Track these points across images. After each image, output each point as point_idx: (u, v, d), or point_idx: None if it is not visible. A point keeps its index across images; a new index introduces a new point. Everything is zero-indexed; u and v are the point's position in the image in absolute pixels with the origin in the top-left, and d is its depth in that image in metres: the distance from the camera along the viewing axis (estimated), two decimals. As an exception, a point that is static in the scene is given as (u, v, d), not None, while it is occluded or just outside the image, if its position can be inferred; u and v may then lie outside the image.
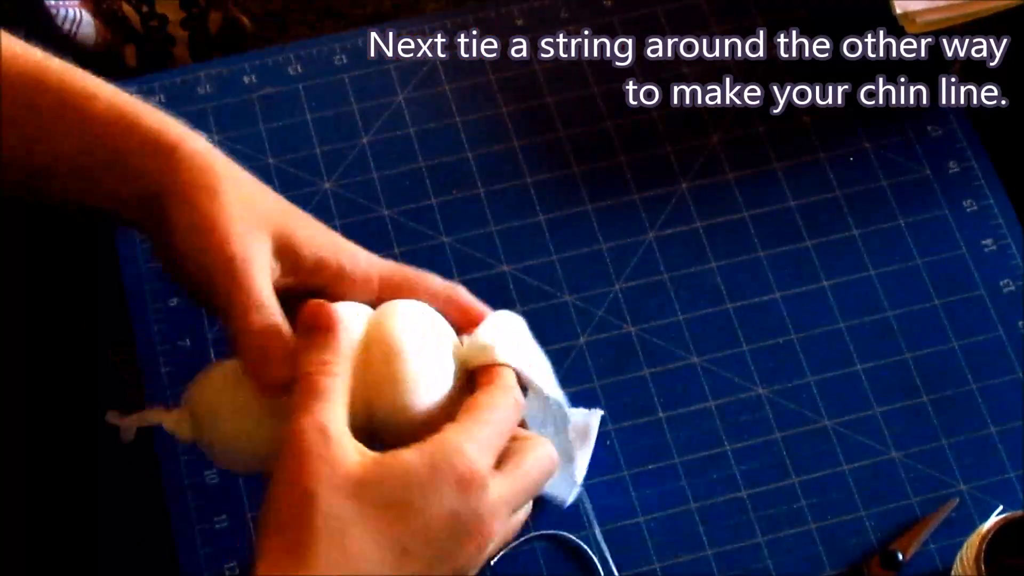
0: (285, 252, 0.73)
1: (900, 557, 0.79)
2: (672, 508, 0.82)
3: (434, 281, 0.76)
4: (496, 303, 0.87)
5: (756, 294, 0.88)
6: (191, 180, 0.71)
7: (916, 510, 0.82)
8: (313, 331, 0.68)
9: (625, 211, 0.91)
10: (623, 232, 0.91)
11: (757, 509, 0.82)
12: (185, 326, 0.87)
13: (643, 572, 0.80)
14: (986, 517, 0.79)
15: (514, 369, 0.72)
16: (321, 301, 0.70)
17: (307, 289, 0.73)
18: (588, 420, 0.83)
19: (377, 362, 0.70)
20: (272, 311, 0.70)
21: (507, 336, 0.73)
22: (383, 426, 0.70)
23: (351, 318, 0.71)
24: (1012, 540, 0.73)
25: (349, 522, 0.62)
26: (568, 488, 0.80)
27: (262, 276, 0.71)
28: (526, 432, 0.72)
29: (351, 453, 0.64)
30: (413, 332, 0.71)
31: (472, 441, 0.65)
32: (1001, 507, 0.81)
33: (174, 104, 0.94)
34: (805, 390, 0.85)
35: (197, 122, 0.93)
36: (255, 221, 0.72)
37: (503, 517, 0.67)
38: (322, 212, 0.90)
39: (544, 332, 0.86)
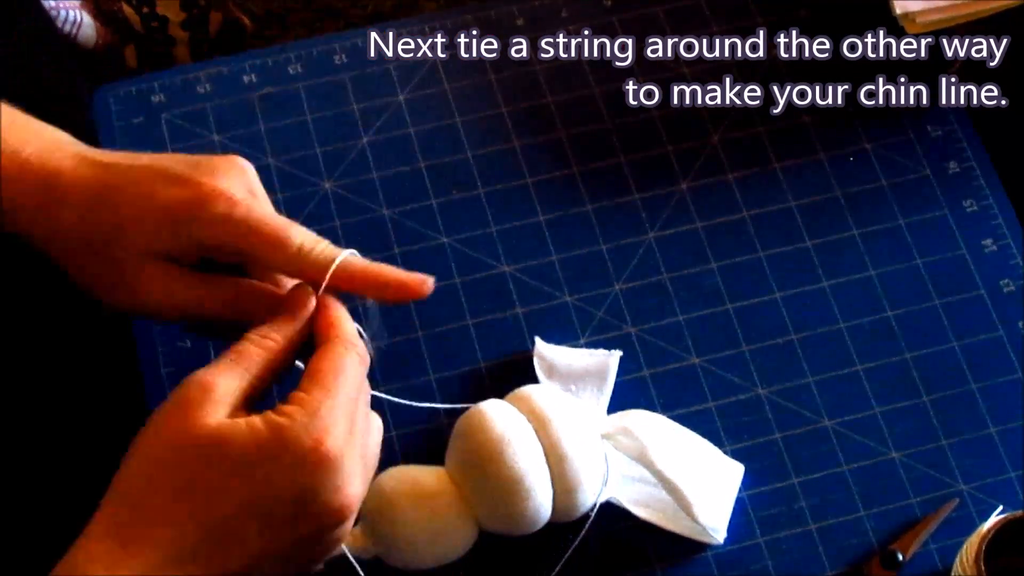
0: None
1: (900, 557, 0.79)
2: (672, 508, 0.82)
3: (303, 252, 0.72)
4: (496, 303, 0.87)
5: (756, 294, 0.88)
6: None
7: (916, 510, 0.82)
8: (281, 309, 0.69)
9: (625, 211, 0.91)
10: (623, 232, 0.90)
11: (757, 509, 0.82)
12: (185, 326, 0.87)
13: (643, 573, 0.80)
14: (986, 517, 0.79)
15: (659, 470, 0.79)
16: (304, 286, 0.70)
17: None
18: (607, 361, 0.84)
19: (554, 469, 0.76)
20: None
21: (651, 433, 0.80)
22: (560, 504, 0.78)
23: (498, 411, 0.77)
24: (1012, 540, 0.73)
25: (186, 477, 0.62)
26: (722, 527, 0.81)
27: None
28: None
29: (217, 414, 0.63)
30: (574, 437, 0.77)
31: (321, 416, 0.64)
32: (1001, 507, 0.81)
33: (174, 103, 0.94)
34: (805, 390, 0.85)
35: (197, 121, 0.93)
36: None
37: (359, 478, 0.66)
38: (322, 212, 0.90)
39: (544, 333, 0.86)
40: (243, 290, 0.73)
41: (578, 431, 0.77)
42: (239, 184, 0.72)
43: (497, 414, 0.77)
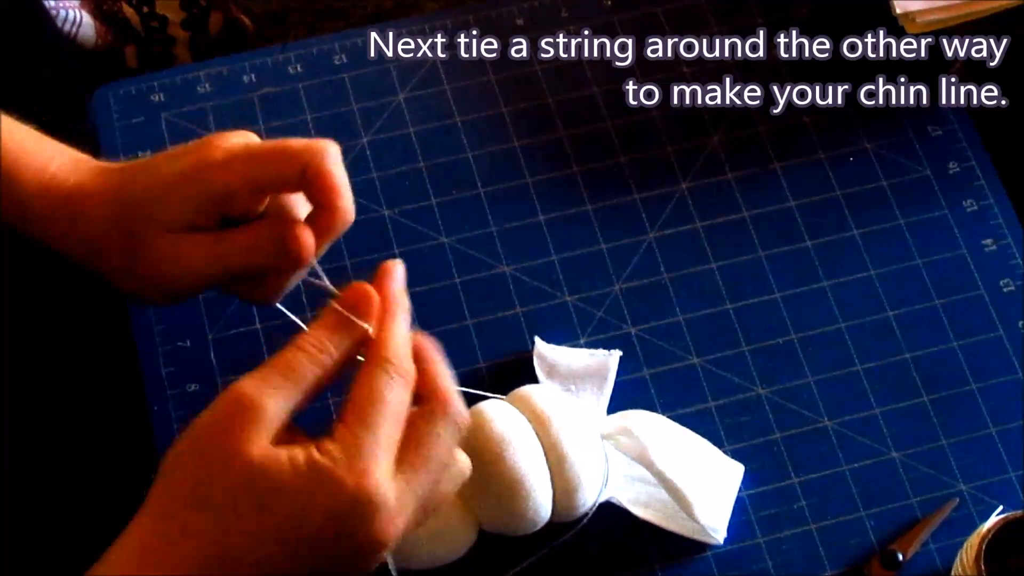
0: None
1: (900, 557, 0.79)
2: (672, 508, 0.82)
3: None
4: (496, 303, 0.88)
5: (756, 294, 0.88)
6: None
7: (916, 510, 0.82)
8: (345, 313, 0.67)
9: (625, 211, 0.91)
10: (623, 232, 0.91)
11: (757, 509, 0.82)
12: (185, 326, 0.87)
13: (642, 571, 0.80)
14: (986, 517, 0.79)
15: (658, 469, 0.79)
16: (365, 285, 0.68)
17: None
18: (607, 361, 0.84)
19: (555, 469, 0.77)
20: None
21: (651, 434, 0.80)
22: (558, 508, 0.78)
23: (498, 411, 0.77)
24: (1012, 540, 0.73)
25: (217, 499, 0.61)
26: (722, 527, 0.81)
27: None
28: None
29: (260, 441, 0.62)
30: (574, 437, 0.77)
31: (363, 454, 0.63)
32: (1001, 507, 0.81)
33: (174, 103, 0.94)
34: (805, 390, 0.85)
35: (196, 121, 0.93)
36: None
37: (406, 514, 0.64)
38: (322, 212, 0.90)
39: (544, 333, 0.86)
40: (260, 230, 0.75)
41: (578, 431, 0.77)
42: (236, 139, 0.75)
43: (497, 414, 0.77)
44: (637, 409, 0.83)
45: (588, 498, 0.78)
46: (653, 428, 0.80)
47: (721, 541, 0.80)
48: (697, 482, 0.79)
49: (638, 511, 0.80)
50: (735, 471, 0.82)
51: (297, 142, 0.74)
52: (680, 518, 0.80)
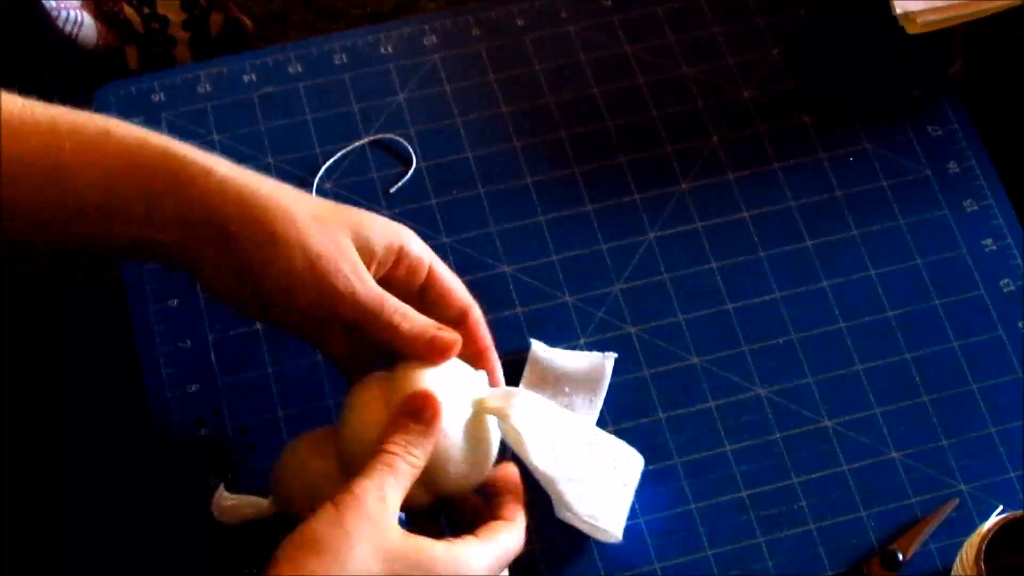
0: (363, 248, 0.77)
1: (900, 557, 0.79)
2: (672, 509, 0.82)
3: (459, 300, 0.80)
4: (496, 303, 0.88)
5: (756, 294, 0.88)
6: (256, 210, 0.73)
7: (916, 510, 0.82)
8: (414, 418, 0.73)
9: (625, 211, 0.91)
10: (623, 232, 0.91)
11: (757, 509, 0.82)
12: (185, 326, 0.87)
13: (643, 572, 0.80)
14: (986, 517, 0.79)
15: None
16: (429, 393, 0.73)
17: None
18: (603, 363, 0.84)
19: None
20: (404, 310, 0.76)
21: (533, 423, 0.77)
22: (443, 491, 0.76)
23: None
24: (1012, 540, 0.73)
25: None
26: (616, 525, 0.80)
27: (370, 282, 0.76)
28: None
29: (394, 527, 0.69)
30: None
31: (489, 566, 0.72)
32: (1001, 507, 0.81)
33: (174, 103, 0.94)
34: (805, 390, 0.85)
35: (197, 121, 0.93)
36: (336, 227, 0.75)
37: None
38: (322, 212, 0.90)
39: (544, 333, 0.86)
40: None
41: (452, 410, 0.74)
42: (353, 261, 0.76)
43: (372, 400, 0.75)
44: (528, 392, 0.80)
45: (466, 479, 0.75)
46: (536, 415, 0.76)
47: (618, 539, 0.79)
48: (580, 479, 0.78)
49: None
50: (634, 465, 0.80)
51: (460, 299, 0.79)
52: (572, 513, 0.78)
